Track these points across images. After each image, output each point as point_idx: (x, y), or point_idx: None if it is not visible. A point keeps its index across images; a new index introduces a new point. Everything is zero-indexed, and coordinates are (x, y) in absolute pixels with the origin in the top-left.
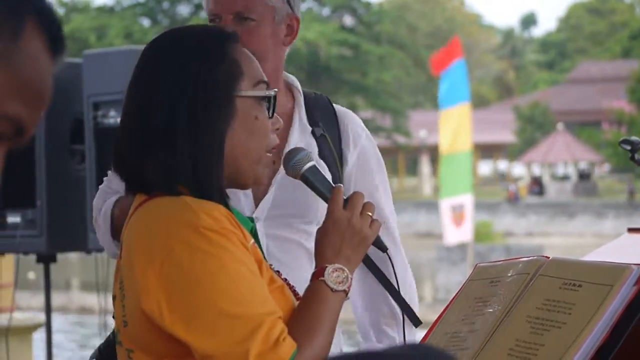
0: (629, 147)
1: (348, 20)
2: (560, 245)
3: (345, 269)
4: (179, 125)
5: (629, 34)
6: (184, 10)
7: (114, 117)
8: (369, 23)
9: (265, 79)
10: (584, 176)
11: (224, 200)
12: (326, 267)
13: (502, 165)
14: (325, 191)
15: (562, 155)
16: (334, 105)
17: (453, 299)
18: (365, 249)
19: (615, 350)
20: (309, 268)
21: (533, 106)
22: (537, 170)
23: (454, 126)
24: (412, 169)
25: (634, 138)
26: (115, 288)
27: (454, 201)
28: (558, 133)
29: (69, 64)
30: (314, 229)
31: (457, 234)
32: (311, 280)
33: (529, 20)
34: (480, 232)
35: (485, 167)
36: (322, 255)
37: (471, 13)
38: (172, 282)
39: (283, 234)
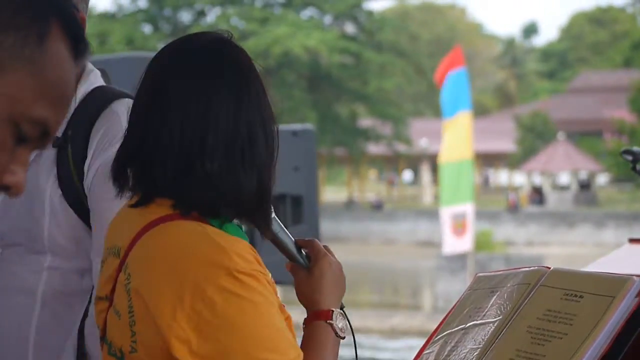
0: (630, 158)
1: (349, 28)
2: (560, 254)
3: (343, 315)
4: (206, 143)
5: (630, 43)
6: (185, 17)
7: None
8: (371, 31)
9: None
10: (584, 186)
11: (257, 220)
12: (333, 310)
13: (491, 174)
14: (290, 246)
15: (563, 164)
16: (109, 106)
17: (453, 308)
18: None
19: None
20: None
21: (534, 115)
22: (537, 180)
23: (455, 135)
24: (413, 177)
25: (635, 148)
26: (118, 304)
27: (455, 210)
28: (559, 142)
29: None
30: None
31: (457, 243)
32: (314, 320)
33: (530, 30)
34: (480, 241)
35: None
36: (325, 297)
37: (472, 22)
38: (203, 326)
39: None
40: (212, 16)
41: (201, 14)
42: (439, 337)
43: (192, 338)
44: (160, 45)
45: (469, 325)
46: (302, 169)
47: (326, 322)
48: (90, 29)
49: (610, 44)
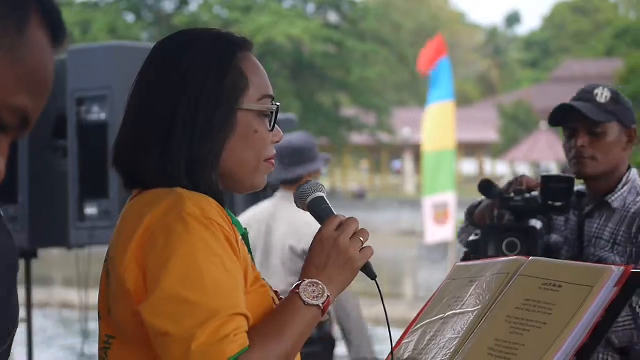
0: None
1: (332, 17)
2: None
3: (323, 285)
4: (178, 130)
5: (612, 33)
6: (168, 5)
7: (97, 113)
8: (354, 20)
9: (271, 92)
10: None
11: (220, 202)
12: (304, 280)
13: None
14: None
15: (545, 153)
16: None
17: (431, 298)
18: (352, 272)
19: (595, 351)
20: None
21: (516, 105)
22: (520, 169)
23: (437, 124)
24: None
25: None
26: (101, 282)
27: (437, 199)
28: (541, 132)
29: None
30: None
31: (439, 232)
32: (290, 292)
33: (513, 19)
34: None
35: (468, 166)
36: (305, 271)
37: (455, 11)
38: (147, 262)
39: None
40: (195, 5)
41: (184, 2)
42: (418, 326)
43: (138, 273)
44: (143, 34)
45: (448, 315)
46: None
47: (293, 292)
48: (72, 18)
49: (592, 33)
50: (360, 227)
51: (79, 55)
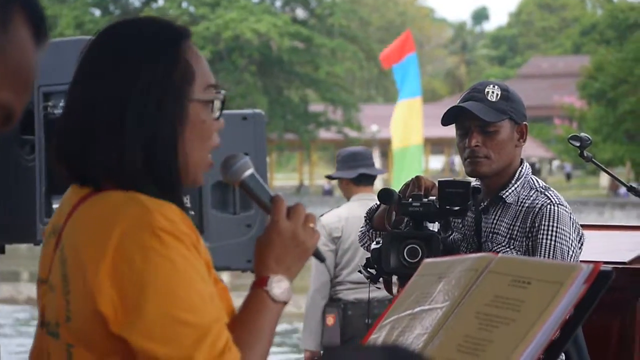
0: (577, 144)
1: (300, 13)
2: None
3: (287, 279)
4: (129, 124)
5: (580, 29)
6: (135, 0)
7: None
8: (321, 16)
9: (214, 81)
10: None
11: (179, 201)
12: (269, 276)
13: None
14: (265, 199)
15: None
16: None
17: (400, 293)
18: (305, 260)
19: (564, 347)
20: None
21: None
22: None
23: (405, 120)
24: None
25: (582, 134)
26: (53, 278)
27: None
28: None
29: None
30: None
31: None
32: (252, 288)
33: (480, 15)
34: None
35: (436, 162)
36: (264, 264)
37: (423, 7)
38: (124, 283)
39: None
40: (162, 0)
41: None
42: (386, 322)
43: (113, 294)
44: None
45: (417, 311)
46: (252, 154)
47: (262, 289)
48: None
49: (559, 30)
50: (306, 212)
51: (45, 50)
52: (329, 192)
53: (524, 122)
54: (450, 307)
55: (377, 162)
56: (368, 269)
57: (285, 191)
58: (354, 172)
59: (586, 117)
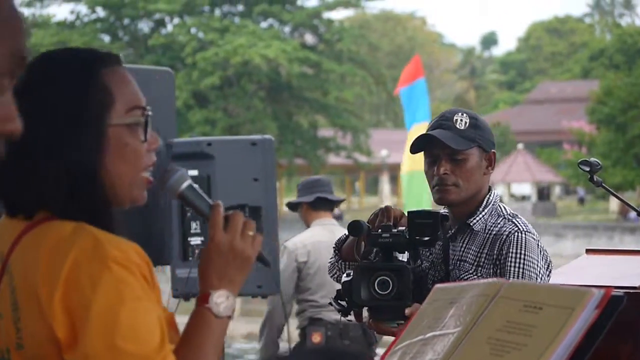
0: (587, 168)
1: (309, 38)
2: None
3: (230, 295)
4: (42, 156)
5: (588, 54)
6: (144, 26)
7: None
8: (330, 41)
9: (141, 102)
10: (543, 196)
11: (111, 227)
12: (210, 293)
13: None
14: (205, 210)
15: (522, 175)
16: None
17: (411, 319)
18: (249, 268)
19: None
20: None
21: (493, 126)
22: (497, 191)
23: None
24: (373, 187)
25: (592, 159)
26: (1, 306)
27: None
28: (518, 153)
29: None
30: None
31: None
32: (196, 304)
33: (489, 40)
34: None
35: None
36: (206, 280)
37: (432, 32)
38: (74, 311)
39: None
40: (171, 26)
41: (160, 23)
42: (397, 347)
43: (66, 321)
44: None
45: (428, 336)
46: (261, 179)
47: (204, 306)
48: (48, 39)
49: (568, 55)
50: (244, 219)
51: None
52: (338, 217)
53: (492, 150)
54: (462, 333)
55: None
56: (339, 302)
57: (294, 217)
58: (312, 196)
59: (595, 141)
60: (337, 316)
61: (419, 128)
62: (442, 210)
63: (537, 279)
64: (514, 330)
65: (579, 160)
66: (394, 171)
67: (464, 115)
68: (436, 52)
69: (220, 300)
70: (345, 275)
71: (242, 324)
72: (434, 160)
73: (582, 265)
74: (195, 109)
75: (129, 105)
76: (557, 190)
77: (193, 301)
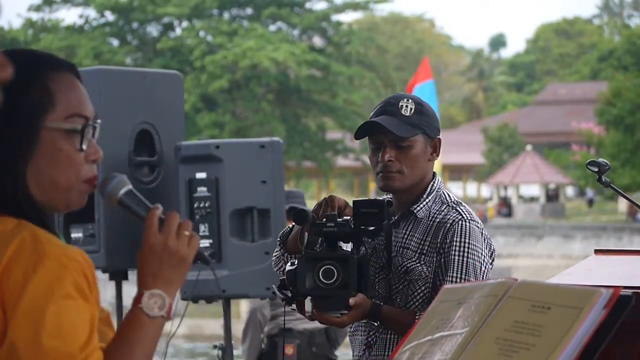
0: (596, 169)
1: (317, 41)
2: (528, 266)
3: (164, 294)
4: None
5: (597, 55)
6: (153, 30)
7: None
8: (339, 44)
9: (85, 112)
10: (551, 197)
11: (43, 225)
12: (144, 293)
13: (471, 187)
14: (144, 214)
15: (531, 176)
16: None
17: (419, 319)
18: (185, 267)
19: None
20: None
21: (501, 128)
22: (505, 192)
23: None
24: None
25: (601, 160)
26: None
27: None
28: (526, 154)
29: None
30: None
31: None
32: (132, 305)
33: (497, 42)
34: None
35: (454, 189)
36: (141, 281)
37: (441, 34)
38: (5, 306)
39: None
40: (179, 29)
41: (169, 27)
42: (405, 348)
43: (2, 317)
44: (127, 59)
45: (437, 337)
46: (270, 182)
47: (137, 306)
48: (57, 43)
49: (577, 56)
50: (180, 220)
51: None
52: None
53: (437, 137)
54: (470, 333)
55: None
56: (282, 291)
57: None
58: (286, 206)
59: (604, 143)
60: (304, 325)
61: None
62: (385, 196)
63: (480, 267)
64: (523, 330)
65: (588, 161)
66: None
67: (409, 101)
68: (444, 54)
69: (153, 300)
70: (289, 264)
71: None
72: (379, 146)
73: (591, 265)
74: (204, 112)
75: (69, 112)
76: (569, 191)
77: (202, 303)
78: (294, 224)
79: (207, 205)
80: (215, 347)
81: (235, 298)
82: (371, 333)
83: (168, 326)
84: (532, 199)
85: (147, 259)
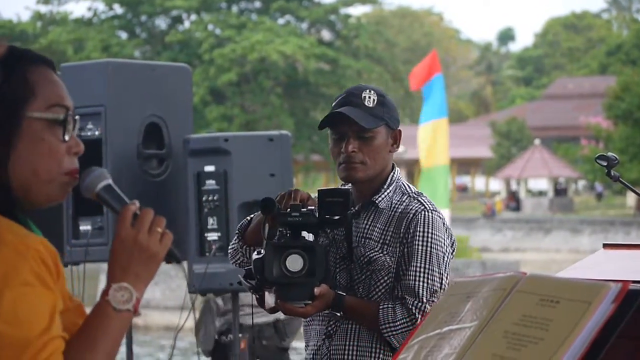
0: (604, 163)
1: (326, 34)
2: (536, 260)
3: (130, 288)
4: None
5: (605, 50)
6: (161, 23)
7: (91, 130)
8: (347, 37)
9: (66, 103)
10: (560, 192)
11: (15, 218)
12: (112, 285)
13: (480, 181)
14: (120, 209)
15: (539, 170)
16: None
17: (428, 313)
18: (155, 264)
19: None
20: None
21: (510, 122)
22: (513, 186)
23: (431, 141)
24: None
25: (609, 154)
26: None
27: None
28: (535, 148)
29: None
30: None
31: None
32: (100, 298)
33: (506, 36)
34: (456, 247)
35: (462, 182)
36: (111, 274)
37: (449, 28)
38: None
39: None
40: (188, 22)
41: (177, 20)
42: (414, 342)
43: None
44: (136, 52)
45: (445, 331)
46: (278, 175)
47: (104, 299)
48: (66, 36)
49: (585, 51)
50: (154, 216)
51: (72, 72)
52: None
53: (398, 128)
54: (479, 327)
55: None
56: (249, 280)
57: None
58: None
59: (613, 137)
60: (255, 320)
61: (437, 123)
62: (343, 186)
63: (443, 257)
64: (531, 324)
65: (597, 155)
66: (410, 167)
67: (372, 92)
68: (453, 48)
69: (120, 293)
70: (256, 253)
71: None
72: (341, 137)
73: (599, 260)
74: (212, 105)
75: (50, 102)
76: (580, 185)
77: (210, 296)
78: (252, 216)
79: (215, 198)
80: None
81: (243, 291)
82: (331, 322)
83: (176, 319)
84: (541, 193)
85: (118, 253)
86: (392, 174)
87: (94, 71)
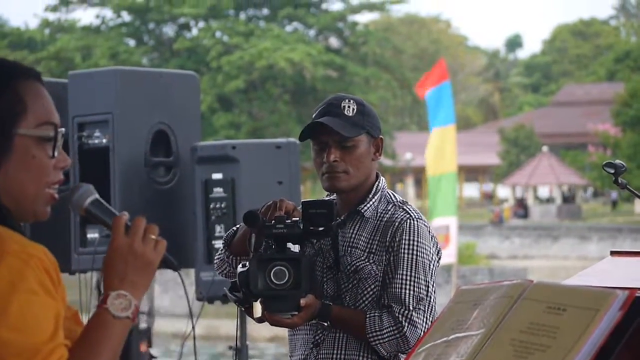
0: (612, 171)
1: (333, 41)
2: (544, 267)
3: (129, 295)
4: None
5: (613, 57)
6: (169, 30)
7: (98, 138)
8: (355, 45)
9: (54, 120)
10: (568, 199)
11: (11, 225)
12: (110, 293)
13: (486, 187)
14: (110, 222)
15: (547, 178)
16: None
17: (435, 321)
18: (151, 271)
19: None
20: None
21: (518, 128)
22: (521, 193)
23: (439, 148)
24: (396, 190)
25: (617, 161)
26: None
27: (438, 223)
28: (543, 155)
29: (54, 84)
30: None
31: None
32: (97, 307)
33: (514, 43)
34: (463, 254)
35: (470, 189)
36: (107, 283)
37: (457, 35)
38: None
39: None
40: (196, 30)
41: (185, 27)
42: (421, 349)
43: None
44: (144, 59)
45: (452, 338)
46: (286, 182)
47: (102, 307)
48: (74, 43)
49: (593, 57)
50: (147, 224)
51: (80, 80)
52: None
53: (380, 136)
54: (486, 334)
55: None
56: (234, 293)
57: None
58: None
59: (620, 144)
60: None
61: (445, 131)
62: (328, 196)
63: (429, 265)
64: (538, 332)
65: (604, 163)
66: (418, 174)
67: (351, 101)
68: (461, 55)
69: (118, 301)
70: (240, 266)
71: (266, 327)
72: (323, 147)
73: (607, 267)
74: (220, 112)
75: (40, 120)
76: (587, 193)
77: (217, 304)
78: (237, 226)
79: (223, 206)
80: (230, 348)
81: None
82: (319, 332)
83: (184, 326)
84: (548, 200)
85: (113, 262)
86: (377, 183)
87: (102, 79)
